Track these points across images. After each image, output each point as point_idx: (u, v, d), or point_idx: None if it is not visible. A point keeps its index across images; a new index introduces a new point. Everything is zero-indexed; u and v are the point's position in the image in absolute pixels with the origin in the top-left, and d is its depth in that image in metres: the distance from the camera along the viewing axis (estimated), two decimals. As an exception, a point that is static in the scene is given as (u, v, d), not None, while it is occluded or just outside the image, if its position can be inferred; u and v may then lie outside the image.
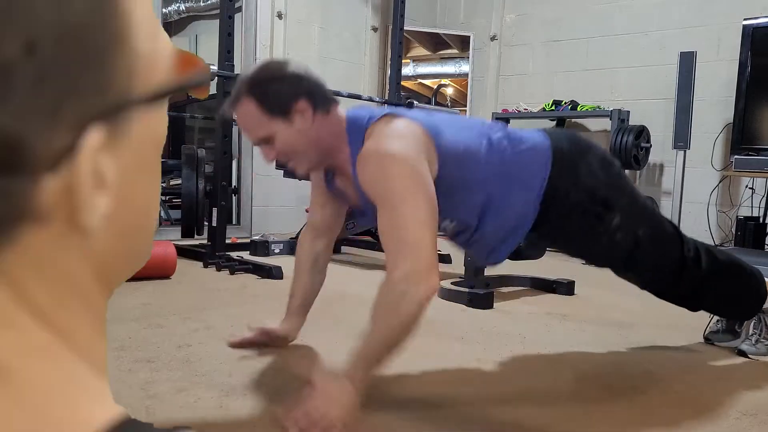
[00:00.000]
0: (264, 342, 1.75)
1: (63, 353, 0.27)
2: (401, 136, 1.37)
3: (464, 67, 5.41)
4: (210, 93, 4.27)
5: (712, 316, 2.04)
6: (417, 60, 5.47)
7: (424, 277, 1.26)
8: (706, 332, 2.07)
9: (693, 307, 1.87)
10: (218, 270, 3.01)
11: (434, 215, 1.33)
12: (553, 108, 4.56)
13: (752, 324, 1.96)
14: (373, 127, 1.41)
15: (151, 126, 0.31)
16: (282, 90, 1.41)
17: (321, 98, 1.44)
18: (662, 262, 1.72)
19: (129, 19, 0.28)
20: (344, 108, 1.51)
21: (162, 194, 3.87)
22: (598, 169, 1.61)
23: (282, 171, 3.87)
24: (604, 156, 1.68)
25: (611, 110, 4.26)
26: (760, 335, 1.92)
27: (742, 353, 1.92)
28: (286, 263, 3.09)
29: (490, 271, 2.66)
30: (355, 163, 1.41)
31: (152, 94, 0.30)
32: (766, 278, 1.90)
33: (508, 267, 2.92)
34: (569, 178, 1.57)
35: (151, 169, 0.32)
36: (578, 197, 1.58)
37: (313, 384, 1.30)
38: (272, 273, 2.87)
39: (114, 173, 0.28)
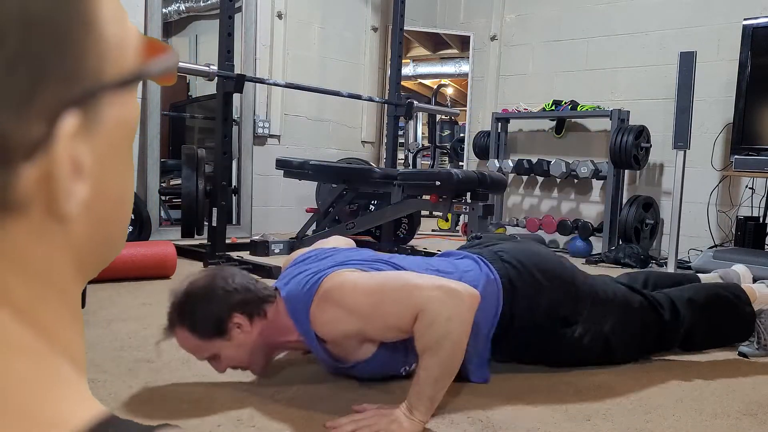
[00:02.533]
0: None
1: (44, 351, 0.27)
2: (342, 275, 1.36)
3: (464, 67, 5.40)
4: (209, 93, 4.26)
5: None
6: (417, 60, 5.47)
7: (458, 292, 1.26)
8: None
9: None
10: (218, 270, 3.00)
11: (416, 275, 1.35)
12: (553, 108, 4.56)
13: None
14: (314, 298, 1.37)
15: (123, 112, 0.31)
16: (212, 312, 1.35)
17: (255, 304, 1.39)
18: (638, 341, 1.76)
19: (96, 5, 0.28)
20: (281, 285, 1.46)
21: (162, 194, 3.87)
22: (550, 287, 1.61)
23: (282, 171, 3.87)
24: (552, 266, 1.66)
25: (611, 110, 4.26)
26: (760, 337, 1.92)
27: (742, 355, 1.92)
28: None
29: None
30: (309, 337, 1.39)
31: (123, 78, 0.30)
32: (750, 285, 1.92)
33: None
34: (521, 307, 1.58)
35: (125, 155, 0.32)
36: (534, 322, 1.60)
37: (368, 408, 1.32)
38: (272, 273, 2.86)
39: (90, 160, 0.28)
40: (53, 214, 0.27)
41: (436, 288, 1.27)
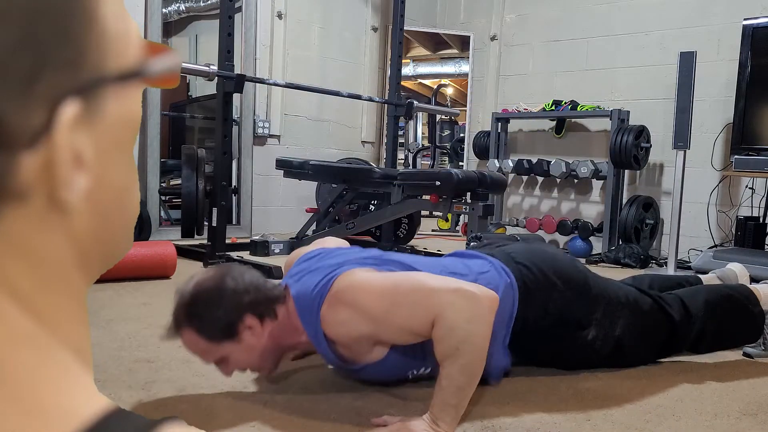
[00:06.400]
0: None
1: (48, 342, 0.27)
2: (355, 274, 1.33)
3: (464, 67, 5.40)
4: (209, 93, 4.25)
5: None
6: (417, 60, 5.47)
7: (476, 295, 1.23)
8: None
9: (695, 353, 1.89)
10: (218, 270, 3.00)
11: (431, 277, 1.31)
12: (553, 108, 4.56)
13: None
14: (325, 299, 1.32)
15: (126, 106, 0.31)
16: (223, 314, 1.29)
17: (266, 305, 1.34)
18: (649, 343, 1.74)
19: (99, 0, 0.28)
20: (291, 283, 1.41)
21: (162, 194, 3.87)
22: (564, 289, 1.59)
23: (282, 171, 3.87)
24: (566, 268, 1.64)
25: (611, 110, 4.26)
26: (766, 338, 1.91)
27: (747, 355, 1.92)
28: (285, 259, 3.09)
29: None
30: (318, 339, 1.35)
31: (125, 72, 0.30)
32: (755, 286, 1.91)
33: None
34: (537, 311, 1.56)
35: (127, 153, 0.32)
36: (548, 326, 1.58)
37: (390, 421, 1.27)
38: (272, 273, 2.86)
39: (91, 151, 0.28)
40: (55, 203, 0.27)
41: (454, 291, 1.23)
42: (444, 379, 1.22)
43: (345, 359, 1.40)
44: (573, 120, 4.75)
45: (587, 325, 1.61)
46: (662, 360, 1.87)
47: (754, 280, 2.15)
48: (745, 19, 3.63)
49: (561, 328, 1.59)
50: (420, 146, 5.56)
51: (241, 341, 1.31)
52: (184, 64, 3.05)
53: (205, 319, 1.29)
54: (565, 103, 4.53)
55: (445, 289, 1.24)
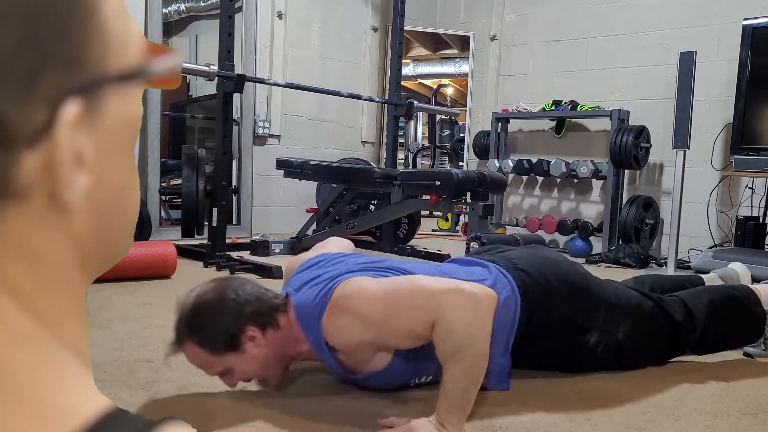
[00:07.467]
0: None
1: (48, 342, 0.27)
2: (355, 282, 1.32)
3: (464, 67, 5.40)
4: (209, 93, 4.25)
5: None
6: (417, 60, 5.47)
7: (476, 294, 1.23)
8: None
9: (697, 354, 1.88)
10: (218, 270, 3.01)
11: (430, 279, 1.31)
12: (553, 108, 4.56)
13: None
14: (326, 308, 1.32)
15: (127, 106, 0.31)
16: (225, 326, 1.29)
17: (267, 314, 1.34)
18: (651, 346, 1.74)
19: None
20: (292, 293, 1.40)
21: (162, 194, 3.86)
22: (565, 295, 1.59)
23: (282, 171, 3.87)
24: (567, 273, 1.64)
25: (611, 110, 4.26)
26: (767, 338, 1.91)
27: (748, 355, 1.92)
28: (286, 263, 3.09)
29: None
30: (320, 348, 1.35)
31: (126, 72, 0.30)
32: (758, 285, 1.91)
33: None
34: (539, 316, 1.55)
35: (128, 153, 0.32)
36: (551, 331, 1.57)
37: (396, 423, 1.27)
38: (272, 273, 2.87)
39: (92, 151, 0.28)
40: (55, 203, 0.27)
41: (453, 291, 1.23)
42: (448, 383, 1.22)
43: (348, 368, 1.40)
44: (573, 120, 4.75)
45: (589, 329, 1.61)
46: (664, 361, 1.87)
47: (754, 280, 2.15)
48: (745, 19, 3.63)
49: (563, 333, 1.59)
50: (420, 146, 5.56)
51: (244, 352, 1.31)
52: (184, 64, 3.05)
53: (207, 331, 1.29)
54: (565, 103, 4.53)
55: (445, 289, 1.24)
